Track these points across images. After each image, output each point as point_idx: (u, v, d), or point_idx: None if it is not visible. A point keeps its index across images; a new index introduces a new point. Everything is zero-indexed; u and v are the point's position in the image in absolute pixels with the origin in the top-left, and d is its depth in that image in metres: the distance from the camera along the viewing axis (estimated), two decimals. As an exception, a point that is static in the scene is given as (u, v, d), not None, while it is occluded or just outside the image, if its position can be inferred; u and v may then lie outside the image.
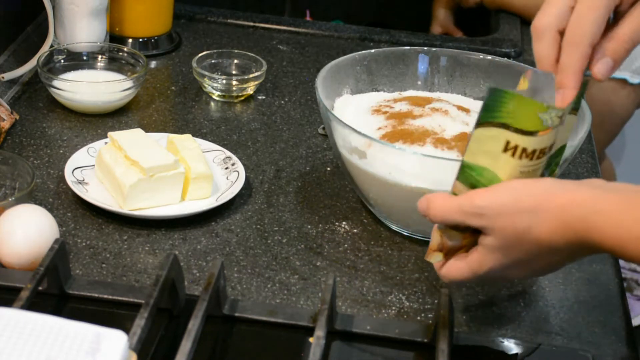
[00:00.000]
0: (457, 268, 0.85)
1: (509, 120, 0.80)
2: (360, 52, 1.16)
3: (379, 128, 1.07)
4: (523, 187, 0.81)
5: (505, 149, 0.82)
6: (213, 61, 1.37)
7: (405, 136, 1.04)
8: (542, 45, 0.85)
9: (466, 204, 0.81)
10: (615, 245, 0.76)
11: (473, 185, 0.83)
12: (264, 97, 1.35)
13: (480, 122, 0.81)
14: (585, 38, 0.82)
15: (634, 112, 2.14)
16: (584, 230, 0.77)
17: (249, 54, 1.38)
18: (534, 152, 0.82)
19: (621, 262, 2.31)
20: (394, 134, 1.04)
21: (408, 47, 1.18)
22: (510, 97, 0.80)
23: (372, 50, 1.17)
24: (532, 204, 0.79)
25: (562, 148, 0.88)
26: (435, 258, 0.87)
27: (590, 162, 1.26)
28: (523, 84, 0.84)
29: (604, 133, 2.08)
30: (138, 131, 1.11)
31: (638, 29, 0.81)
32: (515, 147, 0.81)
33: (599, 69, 0.84)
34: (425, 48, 1.19)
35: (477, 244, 0.83)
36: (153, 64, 1.43)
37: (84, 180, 1.08)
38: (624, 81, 2.02)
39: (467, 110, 1.10)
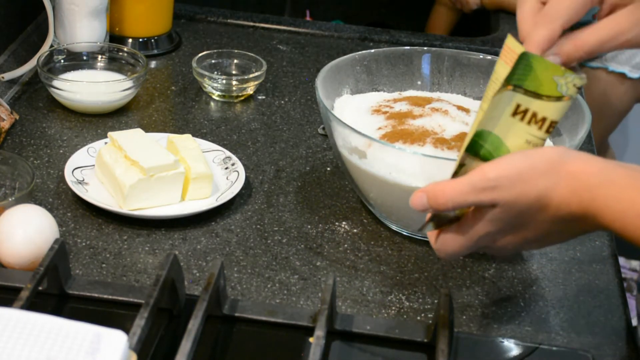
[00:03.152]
0: (451, 238, 0.84)
1: (523, 82, 0.80)
2: (360, 52, 1.16)
3: (379, 128, 1.07)
4: (536, 153, 0.80)
5: (515, 112, 0.81)
6: (213, 61, 1.37)
7: (405, 136, 1.04)
8: (522, 10, 0.85)
9: (478, 180, 0.79)
10: (617, 220, 0.76)
11: (477, 153, 0.82)
12: (264, 97, 1.35)
13: (499, 89, 0.81)
14: (556, 18, 0.82)
15: (634, 107, 2.14)
16: (589, 199, 0.77)
17: (249, 54, 1.38)
18: (543, 120, 0.81)
19: (621, 262, 2.31)
20: (394, 134, 1.04)
21: (408, 47, 1.18)
22: (529, 57, 0.79)
23: (372, 50, 1.17)
24: (547, 167, 0.78)
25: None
26: (427, 228, 0.85)
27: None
28: (512, 45, 0.84)
29: (601, 127, 2.08)
30: (138, 131, 1.11)
31: (602, 41, 0.81)
32: (525, 111, 0.80)
33: None
34: (425, 48, 1.19)
35: (474, 210, 0.82)
36: (153, 64, 1.43)
37: (84, 180, 1.08)
38: (622, 75, 2.02)
39: (467, 110, 1.10)
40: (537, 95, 0.80)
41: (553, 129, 0.83)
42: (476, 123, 0.83)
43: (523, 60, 0.80)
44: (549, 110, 0.81)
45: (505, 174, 0.79)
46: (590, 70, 2.02)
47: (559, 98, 0.81)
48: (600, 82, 2.03)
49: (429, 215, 0.84)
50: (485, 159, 0.83)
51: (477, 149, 0.83)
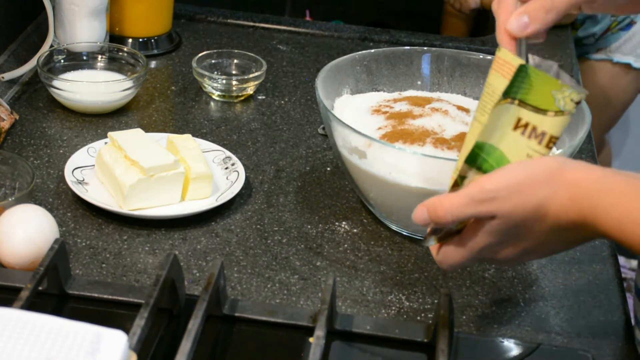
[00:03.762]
0: (452, 250, 0.84)
1: (523, 96, 0.80)
2: (360, 52, 1.16)
3: (379, 128, 1.07)
4: (534, 163, 0.80)
5: (516, 127, 0.81)
6: (213, 61, 1.37)
7: (405, 136, 1.04)
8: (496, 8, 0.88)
9: (476, 192, 0.80)
10: (615, 226, 0.76)
11: (479, 167, 0.83)
12: (264, 97, 1.35)
13: (498, 101, 0.81)
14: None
15: (636, 98, 2.13)
16: (588, 207, 0.77)
17: (249, 54, 1.38)
18: (543, 134, 0.81)
19: (621, 262, 2.31)
20: (394, 134, 1.04)
21: (408, 47, 1.19)
22: (528, 70, 0.80)
23: (372, 50, 1.17)
24: (545, 177, 0.79)
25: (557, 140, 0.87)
26: (429, 242, 0.86)
27: (590, 163, 1.26)
28: (503, 56, 0.84)
29: (606, 117, 2.08)
30: (138, 131, 1.11)
31: None
32: (526, 125, 0.81)
33: (511, 22, 0.85)
34: (425, 48, 1.19)
35: (473, 222, 0.83)
36: (153, 64, 1.43)
37: (84, 180, 1.08)
38: (627, 66, 2.02)
39: (467, 110, 1.10)
40: (536, 109, 0.81)
41: (553, 144, 0.82)
42: (474, 134, 0.83)
43: (522, 73, 0.80)
44: (547, 124, 0.81)
45: (503, 186, 0.79)
46: (596, 63, 2.02)
47: (557, 113, 0.81)
48: (605, 74, 2.03)
49: (429, 229, 0.85)
50: (487, 171, 0.83)
51: (479, 161, 0.83)
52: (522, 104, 0.81)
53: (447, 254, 0.85)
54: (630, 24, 1.97)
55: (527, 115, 0.81)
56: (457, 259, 0.84)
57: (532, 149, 0.82)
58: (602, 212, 0.77)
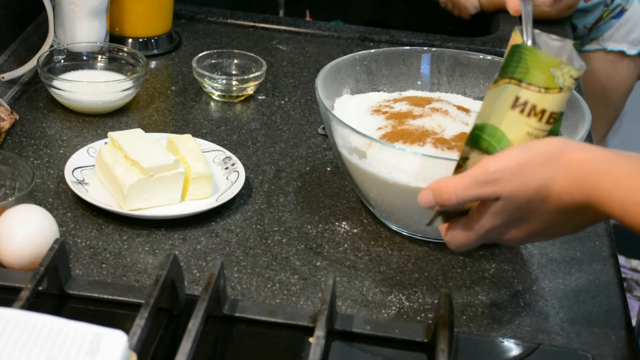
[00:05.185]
0: (459, 233, 0.85)
1: (520, 75, 0.80)
2: (360, 52, 1.16)
3: (379, 128, 1.07)
4: (536, 145, 0.80)
5: (514, 105, 0.81)
6: (213, 61, 1.37)
7: (405, 136, 1.04)
8: None
9: (479, 173, 0.80)
10: (617, 207, 0.76)
11: (480, 147, 0.83)
12: (264, 97, 1.35)
13: (494, 81, 0.82)
14: None
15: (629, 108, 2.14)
16: (590, 187, 0.77)
17: (249, 54, 1.38)
18: (543, 112, 0.81)
19: (621, 262, 2.31)
20: (394, 134, 1.04)
21: (408, 47, 1.19)
22: (523, 50, 0.80)
23: (372, 50, 1.17)
24: (546, 158, 0.79)
25: (561, 115, 0.86)
26: (435, 223, 0.87)
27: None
28: (516, 39, 0.84)
29: (608, 107, 2.07)
30: (138, 131, 1.11)
31: None
32: (525, 103, 0.81)
33: None
34: (425, 48, 1.19)
35: (479, 205, 0.83)
36: (153, 64, 1.43)
37: (84, 180, 1.08)
38: (622, 53, 2.02)
39: (467, 110, 1.10)
40: (534, 87, 0.81)
41: (555, 120, 0.83)
42: (478, 114, 0.84)
43: (516, 53, 0.81)
44: (547, 102, 0.81)
45: (506, 167, 0.80)
46: (589, 54, 2.02)
47: (556, 89, 0.81)
48: (601, 64, 2.03)
49: (437, 209, 0.85)
50: (489, 152, 0.83)
51: (479, 142, 0.83)
52: (520, 82, 0.81)
53: (454, 236, 0.86)
54: (622, 11, 1.97)
55: (525, 94, 0.81)
56: (465, 240, 0.85)
57: (532, 127, 0.82)
58: (605, 193, 0.77)
